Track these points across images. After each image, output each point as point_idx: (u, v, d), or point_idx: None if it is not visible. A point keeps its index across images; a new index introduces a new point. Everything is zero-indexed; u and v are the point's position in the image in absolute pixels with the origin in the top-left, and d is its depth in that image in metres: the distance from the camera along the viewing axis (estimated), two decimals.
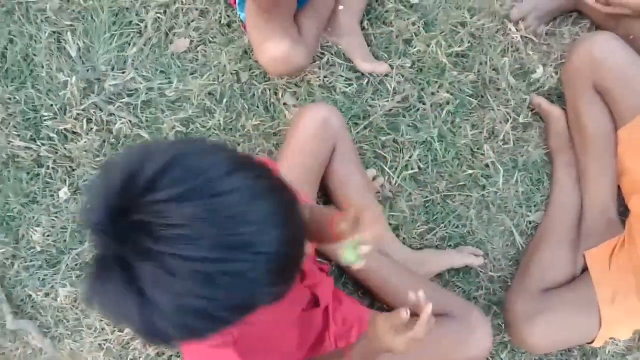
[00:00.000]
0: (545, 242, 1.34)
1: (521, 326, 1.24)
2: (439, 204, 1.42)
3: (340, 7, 1.46)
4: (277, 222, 0.58)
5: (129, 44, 1.50)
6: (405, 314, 0.86)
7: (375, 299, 1.35)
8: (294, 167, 1.21)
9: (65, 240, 1.39)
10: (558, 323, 1.22)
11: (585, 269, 1.33)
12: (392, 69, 1.48)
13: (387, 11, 1.53)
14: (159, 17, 1.51)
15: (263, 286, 0.58)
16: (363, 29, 1.51)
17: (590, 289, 1.27)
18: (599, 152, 1.33)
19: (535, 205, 1.43)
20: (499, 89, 1.48)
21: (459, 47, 1.50)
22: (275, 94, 1.48)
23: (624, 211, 1.38)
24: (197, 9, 1.52)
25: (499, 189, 1.42)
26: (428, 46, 1.48)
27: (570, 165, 1.39)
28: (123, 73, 1.47)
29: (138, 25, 1.50)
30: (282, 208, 0.60)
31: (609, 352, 1.38)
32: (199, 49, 1.50)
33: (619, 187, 1.37)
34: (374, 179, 1.42)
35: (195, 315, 0.56)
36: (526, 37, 1.51)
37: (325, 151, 1.24)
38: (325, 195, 1.37)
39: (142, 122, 1.44)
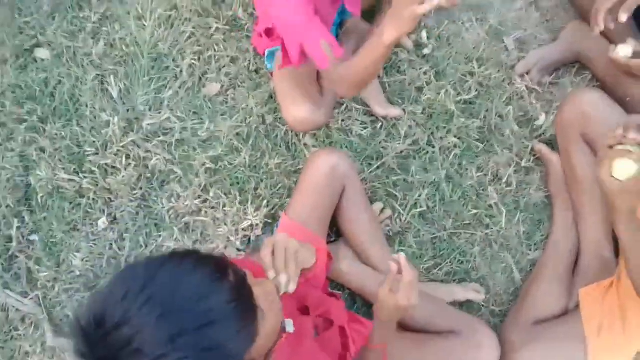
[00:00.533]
0: (541, 277, 1.44)
1: (513, 353, 1.33)
2: (445, 240, 1.53)
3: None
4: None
5: (166, 87, 1.65)
6: (393, 265, 1.02)
7: None
8: (305, 207, 1.32)
9: (102, 266, 1.53)
10: (546, 353, 1.31)
11: (578, 305, 1.42)
12: (405, 113, 1.61)
13: (400, 61, 1.67)
14: (193, 63, 1.66)
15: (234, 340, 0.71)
16: (379, 76, 1.65)
17: (579, 323, 1.35)
18: (591, 196, 1.43)
19: (535, 244, 1.53)
20: (503, 135, 1.60)
21: (467, 95, 1.62)
22: (297, 135, 1.62)
23: (618, 250, 1.47)
24: (228, 56, 1.67)
25: (502, 228, 1.53)
26: (438, 94, 1.61)
27: (567, 208, 1.50)
28: (159, 113, 1.62)
29: (174, 70, 1.66)
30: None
31: None
32: (228, 92, 1.65)
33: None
34: (382, 211, 1.53)
35: None
36: (530, 87, 1.64)
37: (334, 193, 1.35)
38: (337, 230, 1.48)
39: (175, 159, 1.58)
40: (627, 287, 1.35)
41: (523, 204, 1.55)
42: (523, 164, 1.57)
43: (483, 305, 1.49)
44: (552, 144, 1.58)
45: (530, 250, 1.53)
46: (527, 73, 1.63)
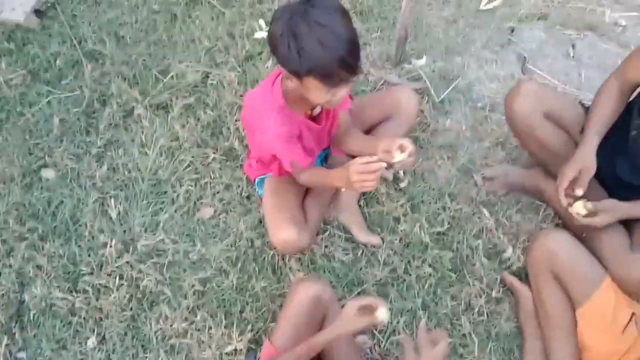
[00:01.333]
0: None
1: None
2: None
3: (343, 189, 1.76)
4: None
5: (162, 210, 1.77)
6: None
7: None
8: (288, 334, 1.38)
9: None
10: None
11: None
12: (383, 242, 1.74)
13: (380, 193, 1.83)
14: (190, 189, 1.80)
15: None
16: (360, 206, 1.80)
17: None
18: (560, 330, 1.53)
19: None
20: (474, 265, 1.72)
21: (440, 227, 1.77)
22: (283, 259, 1.72)
23: None
24: (222, 183, 1.81)
25: (475, 357, 1.60)
26: (413, 226, 1.75)
27: (537, 339, 1.59)
28: (154, 235, 1.73)
29: (172, 194, 1.79)
30: None
31: None
32: (221, 216, 1.77)
33: None
34: (364, 343, 1.60)
35: None
36: (498, 221, 1.79)
37: (314, 322, 1.42)
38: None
39: (165, 280, 1.67)
40: None
41: (494, 333, 1.64)
42: (493, 294, 1.68)
43: None
44: (519, 275, 1.71)
45: None
46: (490, 180, 1.83)
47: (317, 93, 1.29)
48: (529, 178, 1.82)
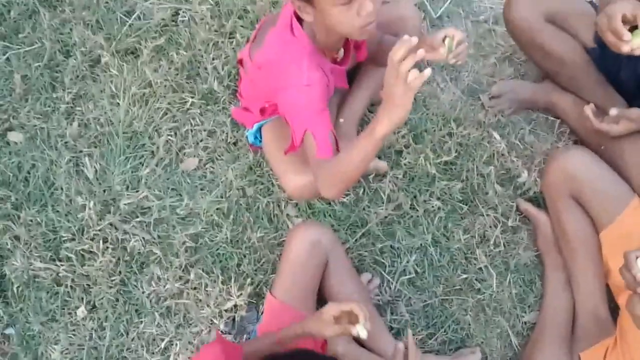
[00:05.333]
0: (540, 344, 1.39)
1: None
2: (437, 307, 1.49)
3: (341, 120, 1.60)
4: None
5: (143, 165, 1.62)
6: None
7: None
8: (290, 285, 1.30)
9: (82, 359, 1.46)
10: None
11: None
12: (386, 176, 1.59)
13: None
14: (170, 139, 1.64)
15: None
16: None
17: None
18: (583, 256, 1.41)
19: (529, 306, 1.50)
20: (487, 194, 1.58)
21: (447, 156, 1.61)
22: (279, 206, 1.59)
23: (615, 307, 1.44)
24: (205, 130, 1.65)
25: (493, 291, 1.49)
26: (418, 157, 1.60)
27: (559, 267, 1.47)
28: (137, 192, 1.59)
29: (151, 147, 1.63)
30: None
31: None
32: (207, 166, 1.63)
33: (608, 286, 1.44)
34: (370, 281, 1.49)
35: None
36: (510, 143, 1.64)
37: (316, 269, 1.32)
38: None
39: (154, 239, 1.54)
40: (635, 348, 1.32)
41: (513, 264, 1.52)
42: (509, 223, 1.55)
43: None
44: (537, 200, 1.57)
45: (525, 312, 1.49)
46: (497, 97, 1.66)
47: (337, 14, 1.09)
48: (539, 92, 1.65)
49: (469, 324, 1.47)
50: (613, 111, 1.35)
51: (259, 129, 1.51)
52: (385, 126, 0.99)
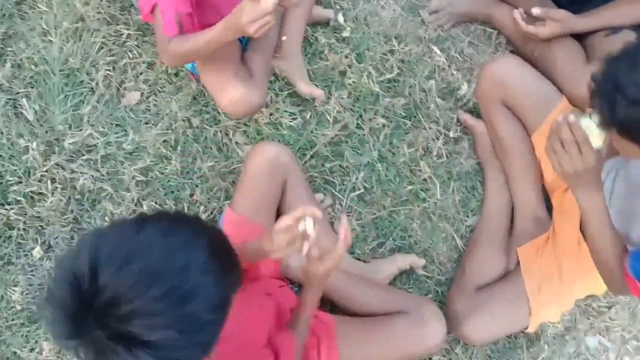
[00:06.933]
0: (479, 243, 1.48)
1: (460, 322, 1.37)
2: (385, 219, 1.56)
3: (284, 37, 1.59)
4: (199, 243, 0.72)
5: (83, 102, 1.59)
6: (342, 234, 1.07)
7: (335, 305, 1.45)
8: (250, 201, 1.32)
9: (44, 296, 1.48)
10: (492, 317, 1.35)
11: (518, 264, 1.48)
12: (330, 98, 1.61)
13: (321, 46, 1.66)
14: (108, 74, 1.60)
15: (212, 285, 0.71)
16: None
17: (519, 282, 1.41)
18: (518, 160, 1.48)
19: (471, 210, 1.58)
20: (429, 109, 1.63)
21: (390, 73, 1.64)
22: (227, 134, 1.60)
23: (551, 206, 1.53)
24: (144, 62, 1.62)
25: (438, 199, 1.57)
26: (361, 76, 1.62)
27: (498, 172, 1.54)
28: (80, 130, 1.57)
29: (89, 83, 1.60)
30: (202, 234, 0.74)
31: (550, 334, 1.54)
32: (149, 99, 1.61)
33: (544, 187, 1.53)
34: (322, 202, 1.55)
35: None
36: (450, 57, 1.67)
37: (275, 186, 1.35)
38: None
39: (103, 176, 1.54)
40: (560, 242, 1.42)
41: (455, 173, 1.59)
42: (451, 135, 1.61)
43: (429, 276, 1.53)
44: (476, 111, 1.62)
45: (468, 216, 1.58)
46: (436, 12, 1.68)
47: None
48: (477, 4, 1.67)
49: (416, 232, 1.55)
50: (536, 10, 1.39)
51: None
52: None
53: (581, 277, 1.38)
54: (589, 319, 1.53)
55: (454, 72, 1.65)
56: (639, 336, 1.50)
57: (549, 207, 1.51)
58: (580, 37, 1.50)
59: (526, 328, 1.40)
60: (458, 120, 1.62)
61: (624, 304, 1.53)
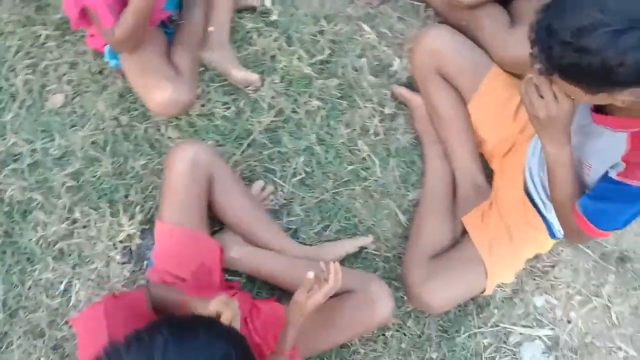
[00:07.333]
0: (426, 215, 1.49)
1: (418, 292, 1.38)
2: (329, 201, 1.55)
3: (211, 29, 1.56)
4: None
5: (4, 110, 1.52)
6: (310, 274, 1.13)
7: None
8: (176, 207, 1.28)
9: None
10: (450, 282, 1.37)
11: (465, 232, 1.50)
12: (263, 84, 1.59)
13: (249, 32, 1.63)
14: (29, 78, 1.54)
15: None
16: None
17: (471, 247, 1.43)
18: (455, 129, 1.49)
19: (412, 185, 1.58)
20: (362, 87, 1.62)
21: (321, 55, 1.62)
22: (158, 130, 1.55)
23: (490, 173, 1.55)
24: (66, 63, 1.56)
25: (378, 177, 1.56)
26: (291, 59, 1.59)
27: (436, 143, 1.55)
28: (4, 140, 1.50)
29: (9, 89, 1.53)
30: None
31: (499, 298, 1.56)
32: (75, 100, 1.55)
33: (482, 155, 1.54)
34: (263, 189, 1.52)
35: None
36: (380, 34, 1.66)
37: (200, 186, 1.31)
38: (220, 222, 1.44)
39: (32, 185, 1.48)
40: (505, 204, 1.44)
41: (393, 149, 1.59)
42: (386, 111, 1.60)
43: (376, 253, 1.53)
44: (410, 85, 1.62)
45: (409, 191, 1.58)
46: None
47: None
48: None
49: (360, 211, 1.54)
50: None
51: (113, 51, 1.44)
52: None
53: (531, 236, 1.40)
54: (534, 279, 1.56)
55: (385, 49, 1.64)
56: (582, 291, 1.53)
57: (489, 175, 1.52)
58: (505, 3, 1.51)
59: (484, 291, 1.42)
60: (393, 96, 1.61)
61: (567, 261, 1.56)
